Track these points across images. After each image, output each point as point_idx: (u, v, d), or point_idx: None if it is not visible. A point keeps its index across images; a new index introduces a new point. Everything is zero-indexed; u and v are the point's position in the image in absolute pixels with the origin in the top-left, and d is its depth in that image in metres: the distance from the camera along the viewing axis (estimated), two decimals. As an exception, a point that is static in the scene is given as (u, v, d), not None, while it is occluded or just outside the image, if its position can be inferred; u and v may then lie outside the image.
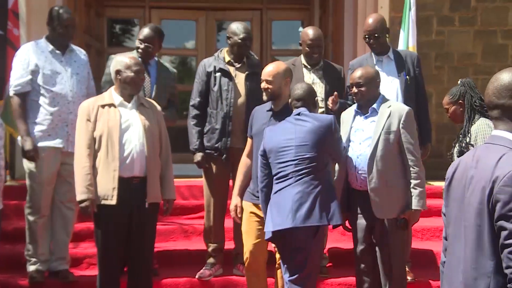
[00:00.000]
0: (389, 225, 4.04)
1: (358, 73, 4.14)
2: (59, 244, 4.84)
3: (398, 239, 4.08)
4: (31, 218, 4.77)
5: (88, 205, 4.13)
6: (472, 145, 3.96)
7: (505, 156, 2.03)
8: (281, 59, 8.93)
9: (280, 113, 4.20)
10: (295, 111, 4.02)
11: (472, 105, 4.12)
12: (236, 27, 4.82)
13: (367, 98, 4.11)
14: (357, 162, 4.07)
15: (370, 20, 4.86)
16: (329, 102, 4.61)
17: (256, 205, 4.19)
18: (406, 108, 4.12)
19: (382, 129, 4.03)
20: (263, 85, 4.22)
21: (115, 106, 4.22)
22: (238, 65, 4.83)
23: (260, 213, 4.15)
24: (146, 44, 4.94)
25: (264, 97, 4.25)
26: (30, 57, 4.76)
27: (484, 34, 7.44)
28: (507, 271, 1.97)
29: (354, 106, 4.22)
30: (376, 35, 4.80)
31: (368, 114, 4.13)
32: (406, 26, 6.37)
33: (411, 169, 4.03)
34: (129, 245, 4.20)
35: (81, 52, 5.00)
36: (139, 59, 4.60)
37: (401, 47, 6.27)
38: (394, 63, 4.90)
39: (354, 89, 4.12)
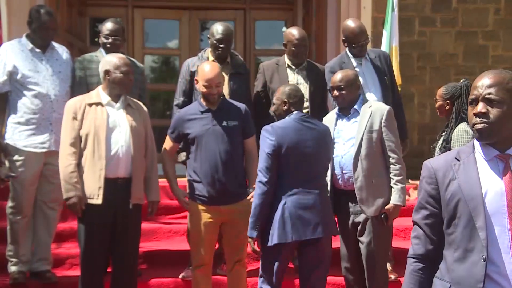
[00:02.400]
0: (373, 223, 4.08)
1: (338, 76, 4.19)
2: (41, 245, 4.80)
3: (382, 237, 4.13)
4: (13, 218, 4.73)
5: (76, 202, 4.08)
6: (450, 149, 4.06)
7: None
8: (264, 59, 8.98)
9: (219, 111, 4.24)
10: (298, 113, 3.96)
11: (461, 111, 4.20)
12: (215, 29, 4.82)
13: (348, 101, 4.17)
14: (341, 162, 4.12)
15: (357, 29, 4.83)
16: None
17: (212, 207, 4.20)
18: (386, 107, 4.19)
19: (365, 129, 4.09)
20: (211, 90, 4.21)
21: (102, 105, 4.18)
22: (221, 65, 4.81)
23: (212, 216, 4.18)
24: (114, 37, 4.87)
25: (203, 102, 4.27)
26: (7, 57, 4.69)
27: (465, 35, 7.49)
28: None
29: (335, 110, 4.28)
30: (362, 42, 4.83)
31: (350, 115, 4.19)
32: (388, 27, 6.40)
33: (392, 166, 4.10)
34: (112, 245, 4.17)
35: (63, 50, 4.93)
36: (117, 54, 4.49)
37: (384, 47, 6.30)
38: (371, 64, 4.93)
39: (336, 92, 4.17)
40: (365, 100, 4.24)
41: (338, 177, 4.14)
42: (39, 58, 4.75)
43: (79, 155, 4.14)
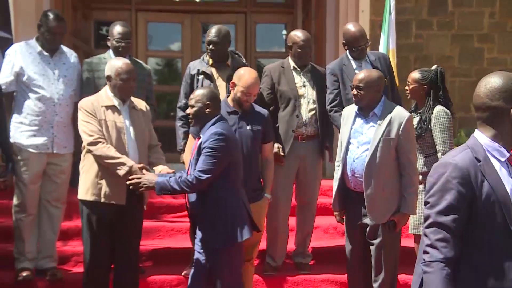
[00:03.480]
0: (383, 228, 4.05)
1: (360, 75, 4.08)
2: (46, 242, 4.82)
3: (391, 241, 4.09)
4: (17, 216, 4.76)
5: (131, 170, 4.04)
6: (431, 131, 4.33)
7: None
8: (264, 61, 9.01)
9: (246, 115, 4.25)
10: (221, 117, 3.96)
11: (437, 96, 4.44)
12: (210, 31, 4.83)
13: (366, 102, 4.06)
14: (353, 165, 4.06)
15: (357, 33, 4.86)
16: None
17: None
18: (406, 115, 4.06)
19: (382, 135, 3.99)
20: (246, 98, 4.21)
21: (117, 109, 4.20)
22: (220, 67, 4.83)
23: None
24: (126, 40, 4.90)
25: (228, 103, 4.26)
26: (16, 58, 4.72)
27: (461, 38, 7.50)
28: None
29: (355, 109, 4.16)
30: (362, 46, 4.86)
31: (369, 118, 4.08)
32: (386, 30, 6.42)
33: (406, 175, 4.03)
34: (115, 243, 4.19)
35: (71, 54, 4.93)
36: (122, 58, 4.50)
37: (381, 50, 6.32)
38: (371, 66, 4.96)
39: (354, 91, 4.07)
40: (385, 104, 4.11)
41: (349, 178, 4.10)
42: (47, 61, 4.76)
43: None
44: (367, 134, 4.04)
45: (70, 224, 5.29)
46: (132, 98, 4.36)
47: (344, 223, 4.25)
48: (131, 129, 4.22)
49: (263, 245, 5.13)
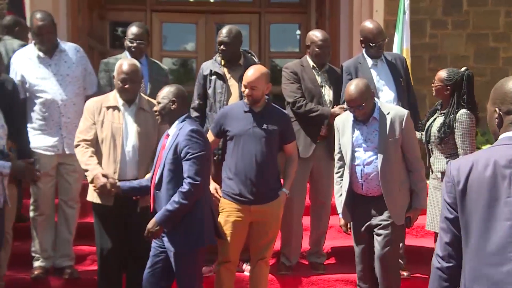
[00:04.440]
0: (393, 228, 4.05)
1: (354, 94, 3.99)
2: (62, 241, 4.84)
3: (397, 241, 4.15)
4: (32, 215, 4.80)
5: (99, 177, 4.03)
6: (453, 133, 4.33)
7: None
8: (279, 61, 9.00)
9: (261, 114, 4.22)
10: (190, 116, 3.98)
11: (460, 99, 4.40)
12: (220, 31, 4.81)
13: (368, 113, 4.07)
14: (363, 171, 4.05)
15: (375, 30, 4.85)
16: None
17: (243, 206, 4.19)
18: (404, 112, 4.12)
19: (387, 137, 4.02)
20: (247, 91, 4.19)
21: (119, 109, 4.20)
22: (232, 67, 4.81)
23: (242, 214, 4.18)
24: (138, 41, 4.86)
25: (246, 102, 4.24)
26: (17, 67, 4.71)
27: (476, 37, 7.43)
28: None
29: (351, 116, 4.14)
30: (380, 42, 4.85)
31: (369, 123, 4.09)
32: (400, 29, 6.38)
33: (414, 169, 4.09)
34: (127, 243, 4.19)
35: (74, 50, 4.85)
36: (132, 59, 4.49)
37: (395, 49, 6.28)
38: (387, 65, 4.94)
39: (356, 111, 4.03)
40: (381, 108, 4.11)
41: (360, 185, 4.08)
42: (46, 63, 4.72)
43: (97, 154, 4.17)
44: (371, 139, 4.06)
45: (87, 224, 5.31)
46: (148, 99, 4.36)
47: (352, 225, 4.24)
48: (134, 131, 4.19)
49: (276, 245, 5.12)
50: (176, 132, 3.77)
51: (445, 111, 4.46)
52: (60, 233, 4.85)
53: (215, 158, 4.67)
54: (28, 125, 4.70)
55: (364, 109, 4.02)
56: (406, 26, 6.36)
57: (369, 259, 4.17)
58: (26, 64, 4.71)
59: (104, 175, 4.04)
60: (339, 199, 4.25)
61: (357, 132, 4.10)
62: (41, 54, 4.70)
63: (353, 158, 4.08)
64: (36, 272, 4.75)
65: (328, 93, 4.91)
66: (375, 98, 4.18)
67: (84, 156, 4.14)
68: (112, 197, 4.10)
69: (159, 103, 3.89)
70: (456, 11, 7.43)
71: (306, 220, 5.08)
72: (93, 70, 5.00)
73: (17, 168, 3.78)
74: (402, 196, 4.07)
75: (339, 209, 4.25)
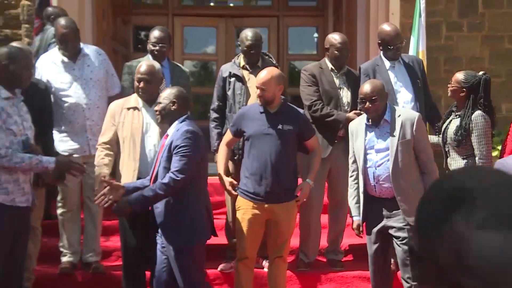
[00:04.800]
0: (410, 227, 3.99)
1: (369, 87, 4.03)
2: (88, 237, 4.91)
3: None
4: (59, 212, 4.87)
5: (107, 180, 4.04)
6: (469, 135, 4.31)
7: None
8: (297, 63, 8.99)
9: (276, 115, 4.23)
10: (190, 117, 4.00)
11: (477, 102, 4.39)
12: (245, 35, 4.83)
13: (379, 112, 4.05)
14: (376, 173, 4.03)
15: (393, 32, 4.87)
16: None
17: (257, 204, 4.20)
18: (415, 115, 4.11)
19: (398, 139, 3.99)
20: (258, 92, 4.21)
21: (139, 110, 4.24)
22: (251, 69, 4.82)
23: (257, 212, 4.19)
24: (160, 45, 4.90)
25: (259, 103, 4.27)
26: (42, 71, 4.77)
27: (491, 39, 7.36)
28: None
29: (363, 120, 4.14)
30: (398, 45, 4.86)
31: (380, 125, 4.07)
32: (416, 32, 6.35)
33: (428, 172, 4.04)
34: (150, 240, 4.20)
35: (96, 53, 4.91)
36: (152, 61, 4.54)
37: (411, 52, 6.24)
38: (404, 67, 4.93)
39: (368, 104, 4.01)
40: (392, 109, 4.11)
41: (373, 186, 4.07)
42: (70, 68, 4.77)
43: (117, 156, 4.23)
44: (382, 141, 4.04)
45: (112, 221, 5.35)
46: None
47: (365, 227, 4.21)
48: (154, 130, 4.21)
49: (295, 242, 5.13)
50: (174, 132, 3.83)
51: (460, 113, 4.45)
52: (86, 230, 4.92)
53: (235, 157, 4.69)
54: (54, 128, 4.75)
55: (376, 103, 3.99)
56: (422, 28, 6.32)
57: (382, 260, 4.16)
58: (51, 68, 4.77)
59: (104, 177, 4.05)
60: (352, 202, 4.23)
61: (369, 135, 4.09)
62: (65, 59, 4.77)
63: (365, 160, 4.06)
64: (63, 267, 4.81)
65: (346, 95, 4.91)
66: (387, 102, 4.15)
67: (98, 158, 4.23)
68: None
69: (160, 103, 3.93)
70: (471, 13, 7.37)
71: (324, 219, 5.09)
72: (116, 72, 5.04)
73: (62, 162, 3.83)
74: (415, 196, 3.99)
75: (353, 211, 4.24)
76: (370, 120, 4.09)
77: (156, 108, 3.97)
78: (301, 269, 4.92)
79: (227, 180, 4.34)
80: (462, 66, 7.40)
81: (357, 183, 4.19)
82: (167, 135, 3.89)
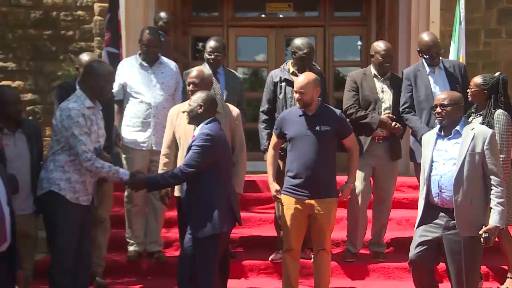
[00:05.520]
0: (466, 243, 3.76)
1: (443, 95, 3.92)
2: (151, 230, 5.05)
3: (473, 256, 3.80)
4: (126, 206, 5.04)
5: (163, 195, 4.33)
6: None
7: None
8: (341, 69, 9.01)
9: (314, 117, 4.28)
10: (215, 119, 4.05)
11: (498, 101, 4.43)
12: (301, 43, 4.89)
13: (451, 120, 3.86)
14: (440, 181, 3.82)
15: (430, 42, 4.88)
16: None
17: (299, 200, 4.26)
18: (489, 131, 3.87)
19: (467, 151, 3.77)
20: (297, 96, 4.27)
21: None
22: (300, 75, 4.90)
23: (299, 207, 4.24)
24: (216, 54, 5.05)
25: (298, 106, 4.32)
26: (122, 71, 5.00)
27: (529, 45, 7.22)
28: None
29: (436, 129, 3.98)
30: (434, 54, 4.86)
31: (451, 136, 3.87)
32: (456, 39, 6.29)
33: (494, 188, 3.77)
34: None
35: (171, 64, 5.14)
36: (201, 68, 4.68)
37: (451, 57, 6.20)
38: (444, 73, 4.92)
39: (438, 109, 3.87)
40: (466, 122, 3.92)
41: (435, 195, 3.85)
42: (146, 71, 4.99)
43: (175, 155, 4.40)
44: (452, 151, 3.83)
45: (173, 214, 5.50)
46: (223, 103, 4.51)
47: (417, 230, 3.95)
48: None
49: (341, 235, 5.17)
50: (197, 133, 3.96)
51: (481, 112, 4.45)
52: (150, 222, 5.07)
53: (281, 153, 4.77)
54: (125, 123, 4.98)
55: (447, 110, 3.82)
56: (462, 35, 6.26)
57: (427, 269, 3.93)
58: (130, 70, 5.01)
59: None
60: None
61: (439, 144, 3.90)
62: (144, 63, 5.00)
63: (431, 168, 3.87)
64: (130, 255, 4.99)
65: (388, 99, 4.94)
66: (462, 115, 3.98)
67: (160, 166, 4.46)
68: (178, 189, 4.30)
69: (189, 105, 4.07)
70: (510, 20, 7.24)
71: (369, 213, 5.10)
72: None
73: (135, 181, 4.00)
74: (472, 211, 3.77)
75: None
76: (442, 130, 3.92)
77: (186, 109, 4.12)
78: (348, 260, 4.97)
79: (274, 187, 4.41)
80: (500, 70, 7.27)
81: None
82: (194, 136, 4.03)
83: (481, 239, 3.72)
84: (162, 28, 6.15)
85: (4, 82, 7.18)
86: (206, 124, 3.98)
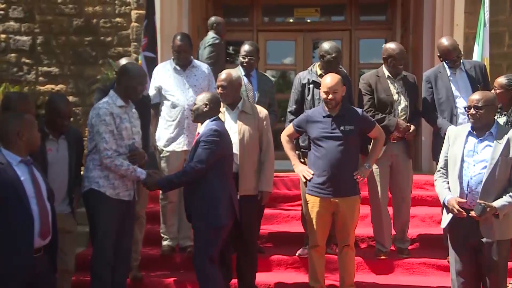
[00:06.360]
0: (498, 247, 3.60)
1: (477, 96, 3.69)
2: (184, 225, 5.02)
3: (504, 260, 3.64)
4: (162, 203, 5.05)
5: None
6: None
7: None
8: (366, 71, 8.90)
9: (338, 117, 4.23)
10: (218, 118, 4.07)
11: None
12: (329, 47, 4.82)
13: (484, 122, 3.64)
14: (470, 183, 3.62)
15: (450, 47, 4.80)
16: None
17: (323, 199, 4.22)
18: None
19: (501, 154, 3.57)
20: (330, 96, 4.21)
21: (222, 113, 4.35)
22: None
23: (323, 205, 4.20)
24: (249, 57, 5.05)
25: (329, 107, 4.26)
26: (157, 76, 5.03)
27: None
28: None
29: (467, 126, 3.75)
30: (454, 58, 4.77)
31: (484, 137, 3.65)
32: (480, 40, 6.13)
33: None
34: (235, 228, 4.25)
35: (203, 67, 5.13)
36: (243, 72, 4.67)
37: (475, 58, 6.05)
38: (465, 74, 4.82)
39: (472, 111, 3.65)
40: (499, 125, 3.74)
41: (465, 196, 3.63)
42: (180, 74, 4.99)
43: None
44: (483, 153, 3.62)
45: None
46: (252, 104, 4.50)
47: (450, 243, 3.76)
48: (235, 129, 4.30)
49: (366, 231, 5.10)
50: (204, 130, 3.96)
51: (506, 112, 4.37)
52: (182, 218, 5.03)
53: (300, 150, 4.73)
54: (160, 125, 4.99)
55: (481, 112, 3.61)
56: (486, 37, 6.10)
57: (469, 276, 3.68)
58: (164, 74, 5.02)
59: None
60: (443, 189, 3.76)
61: (470, 143, 3.67)
62: (177, 67, 5.01)
63: (461, 168, 3.64)
64: (164, 250, 5.00)
65: (403, 100, 4.84)
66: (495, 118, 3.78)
67: None
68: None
69: (195, 104, 4.10)
70: (534, 22, 7.05)
71: (390, 210, 5.02)
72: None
73: (148, 182, 4.02)
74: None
75: (443, 194, 3.74)
76: (474, 129, 3.70)
77: (192, 108, 4.14)
78: (381, 257, 4.88)
79: (302, 169, 4.36)
80: (524, 72, 7.08)
81: (445, 181, 3.77)
82: (198, 133, 4.04)
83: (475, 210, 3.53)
84: (217, 32, 6.28)
85: (48, 86, 7.32)
86: (212, 121, 4.01)
